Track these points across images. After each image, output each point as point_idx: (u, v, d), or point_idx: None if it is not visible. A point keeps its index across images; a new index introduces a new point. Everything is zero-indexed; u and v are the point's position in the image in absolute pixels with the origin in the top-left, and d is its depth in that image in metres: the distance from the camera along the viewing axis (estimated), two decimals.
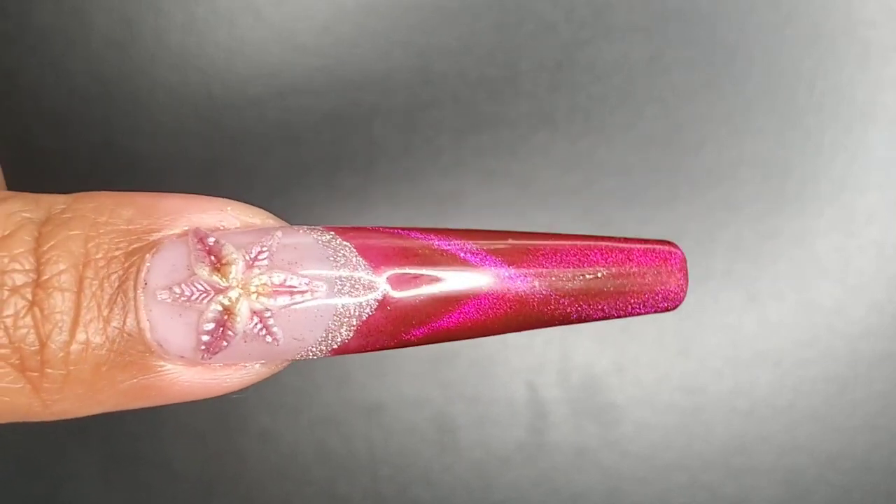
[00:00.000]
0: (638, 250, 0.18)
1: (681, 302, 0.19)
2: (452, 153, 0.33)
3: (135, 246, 0.16)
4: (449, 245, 0.17)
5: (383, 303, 0.17)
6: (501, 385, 0.34)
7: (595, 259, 0.18)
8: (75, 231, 0.16)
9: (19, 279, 0.16)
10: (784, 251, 0.34)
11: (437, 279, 0.17)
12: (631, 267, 0.18)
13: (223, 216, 0.17)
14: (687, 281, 0.19)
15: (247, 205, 0.17)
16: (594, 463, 0.34)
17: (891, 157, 0.34)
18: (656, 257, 0.18)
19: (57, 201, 0.17)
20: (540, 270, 0.18)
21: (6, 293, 0.16)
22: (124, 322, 0.16)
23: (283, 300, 0.16)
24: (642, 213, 0.34)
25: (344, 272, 0.17)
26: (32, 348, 0.16)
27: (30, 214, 0.17)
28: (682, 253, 0.19)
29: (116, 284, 0.16)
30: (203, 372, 0.17)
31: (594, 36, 0.33)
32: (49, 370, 0.16)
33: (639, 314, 0.19)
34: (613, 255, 0.18)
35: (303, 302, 0.16)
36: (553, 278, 0.18)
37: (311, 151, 0.33)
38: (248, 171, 0.33)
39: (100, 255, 0.16)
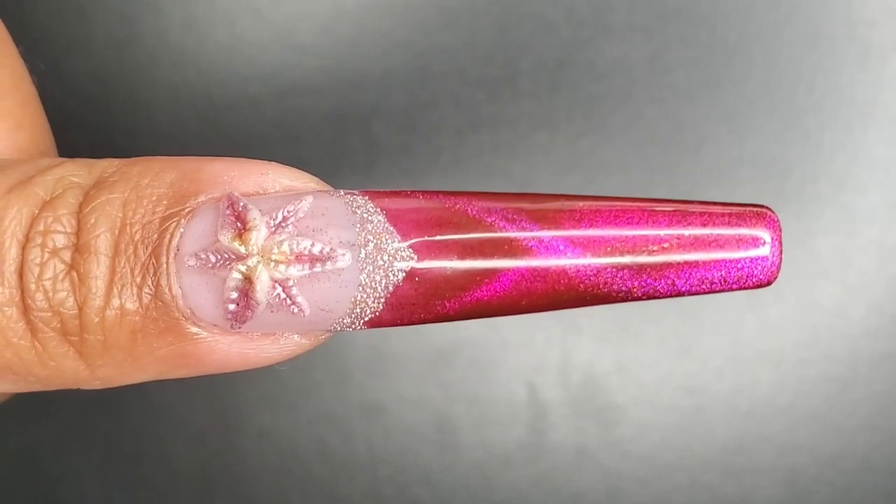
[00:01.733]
0: (718, 214, 0.15)
1: (773, 277, 0.16)
2: (452, 153, 0.33)
3: (171, 210, 0.16)
4: (486, 210, 0.16)
5: (411, 273, 0.16)
6: (501, 385, 0.34)
7: (661, 223, 0.15)
8: (116, 194, 0.16)
9: (60, 241, 0.16)
10: (784, 251, 0.34)
11: (469, 247, 0.16)
12: (707, 232, 0.15)
13: (264, 179, 0.17)
14: (781, 251, 0.15)
15: (289, 168, 0.17)
16: (594, 463, 0.34)
17: (891, 157, 0.34)
18: (741, 222, 0.16)
19: (110, 165, 0.17)
20: (592, 236, 0.16)
21: (47, 255, 0.16)
22: (156, 288, 0.16)
23: (303, 268, 0.16)
24: None
25: (370, 239, 0.16)
26: (71, 312, 0.16)
27: (80, 178, 0.17)
28: (776, 216, 0.16)
29: (150, 249, 0.16)
30: (240, 341, 0.17)
31: (594, 36, 0.33)
32: (87, 335, 0.16)
33: (721, 290, 0.16)
34: (687, 219, 0.15)
35: (323, 270, 0.16)
36: (608, 247, 0.16)
37: (311, 151, 0.33)
38: None
39: (136, 220, 0.16)
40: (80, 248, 0.16)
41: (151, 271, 0.16)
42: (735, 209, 0.15)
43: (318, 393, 0.34)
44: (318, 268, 0.16)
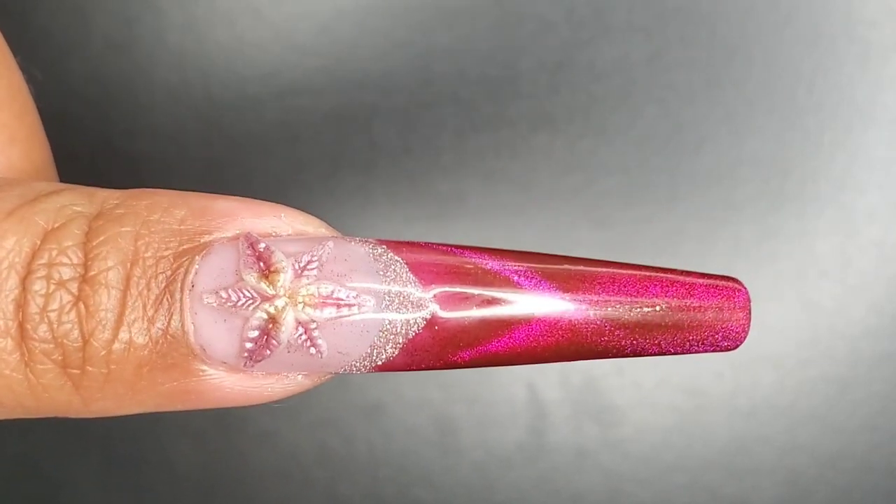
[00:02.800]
0: (700, 285, 0.17)
1: (742, 342, 0.18)
2: (452, 153, 0.33)
3: (185, 247, 0.16)
4: (502, 266, 0.17)
5: (431, 322, 0.16)
6: (502, 386, 0.34)
7: (654, 291, 0.17)
8: (126, 228, 0.16)
9: (66, 273, 0.16)
10: (784, 251, 0.34)
11: (487, 301, 0.17)
12: (692, 301, 0.17)
13: (276, 222, 0.17)
14: (750, 320, 0.18)
15: (301, 212, 0.17)
16: (595, 464, 0.34)
17: (891, 157, 0.34)
18: (719, 294, 0.17)
19: (111, 196, 0.17)
20: (595, 298, 0.17)
21: (52, 286, 0.16)
22: (168, 323, 0.16)
23: (330, 312, 0.16)
24: (642, 213, 0.34)
25: (394, 287, 0.16)
26: (75, 345, 0.16)
27: (81, 208, 0.16)
28: (747, 291, 0.18)
29: (163, 285, 0.16)
30: (244, 379, 0.17)
31: (594, 36, 0.33)
32: (90, 368, 0.16)
33: (697, 351, 0.18)
34: (674, 289, 0.17)
35: (350, 315, 0.16)
36: (609, 308, 0.17)
37: (311, 151, 0.33)
38: (248, 171, 0.33)
39: (149, 254, 0.16)
40: (88, 280, 0.16)
41: (165, 306, 0.16)
42: (713, 282, 0.18)
43: (318, 395, 0.34)
44: (344, 312, 0.16)
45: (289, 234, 0.17)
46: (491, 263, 0.17)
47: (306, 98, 0.33)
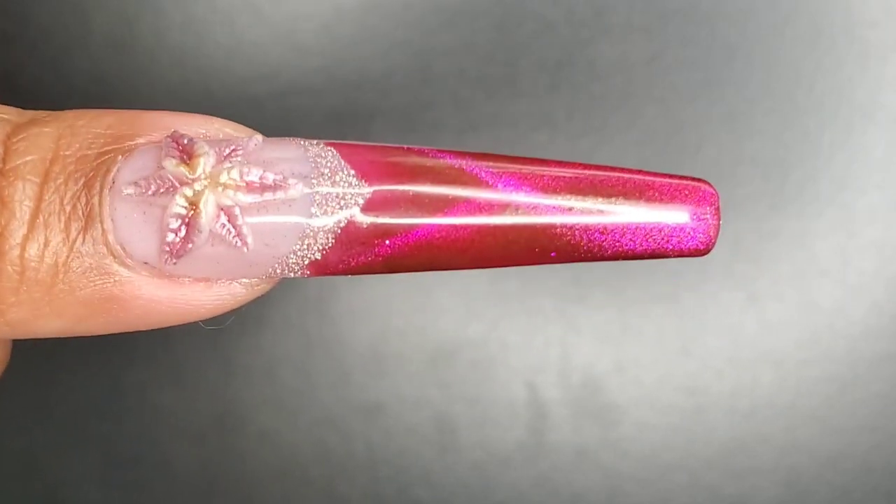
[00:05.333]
0: (661, 183, 0.16)
1: (710, 245, 0.17)
2: None
3: (108, 147, 0.15)
4: (451, 159, 0.16)
5: (365, 209, 0.15)
6: (501, 385, 0.34)
7: (611, 185, 0.16)
8: (48, 129, 0.16)
9: None
10: (784, 251, 0.34)
11: (426, 193, 0.16)
12: (652, 196, 0.16)
13: (208, 128, 0.16)
14: (719, 221, 0.17)
15: (236, 123, 0.16)
16: (594, 463, 0.34)
17: (891, 157, 0.34)
18: (683, 191, 0.16)
19: (43, 112, 0.16)
20: (547, 191, 0.16)
21: None
22: (86, 221, 0.15)
23: (254, 196, 0.15)
24: None
25: (325, 173, 0.15)
26: None
27: (10, 116, 0.16)
28: (714, 190, 0.17)
29: (82, 182, 0.15)
30: (169, 286, 0.16)
31: (594, 36, 0.33)
32: (6, 265, 0.15)
33: (661, 253, 0.17)
34: (633, 184, 0.16)
35: (275, 200, 0.15)
36: (560, 198, 0.16)
37: None
38: None
39: (69, 152, 0.15)
40: (4, 172, 0.15)
41: (83, 202, 0.15)
42: (679, 181, 0.17)
43: (317, 394, 0.34)
44: (268, 196, 0.15)
45: (219, 139, 0.16)
46: (435, 155, 0.16)
47: (306, 98, 0.33)
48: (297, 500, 0.34)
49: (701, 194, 0.17)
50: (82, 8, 0.32)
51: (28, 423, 0.34)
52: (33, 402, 0.34)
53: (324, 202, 0.15)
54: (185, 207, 0.15)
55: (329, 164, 0.15)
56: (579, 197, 0.16)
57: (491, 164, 0.16)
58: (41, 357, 0.34)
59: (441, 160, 0.16)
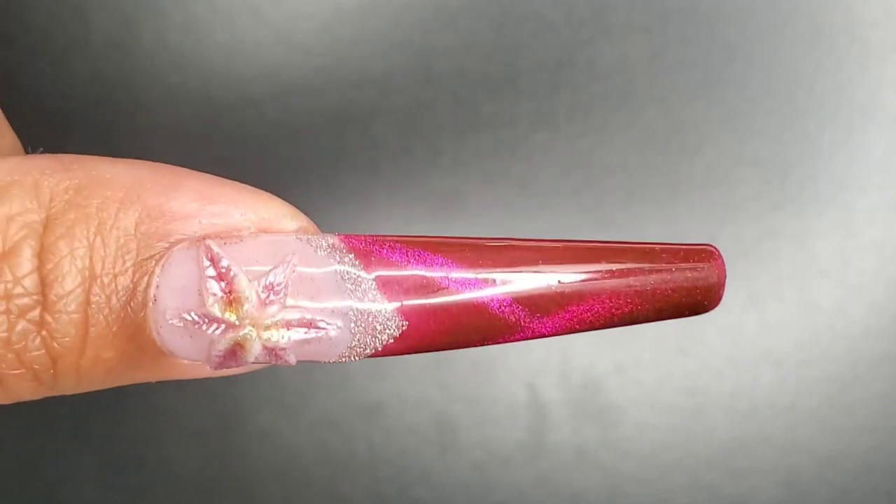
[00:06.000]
0: (669, 249, 0.17)
1: (718, 302, 0.18)
2: (453, 153, 0.33)
3: (143, 256, 0.16)
4: (468, 274, 0.17)
5: (400, 337, 0.16)
6: (501, 386, 0.34)
7: (621, 255, 0.17)
8: (80, 242, 0.15)
9: (24, 302, 0.15)
10: (784, 251, 0.34)
11: (451, 307, 0.16)
12: (660, 263, 0.17)
13: (236, 218, 0.16)
14: (724, 281, 0.18)
15: (259, 194, 0.17)
16: (594, 463, 0.34)
17: (890, 157, 0.34)
18: (690, 256, 0.17)
19: (58, 190, 0.16)
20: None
21: (13, 318, 0.15)
22: (133, 336, 0.16)
23: (297, 334, 0.16)
24: (642, 213, 0.34)
25: (362, 306, 0.16)
26: (45, 366, 0.16)
27: (30, 216, 0.16)
28: (719, 252, 0.18)
29: (124, 300, 0.16)
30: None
31: (594, 36, 0.33)
32: (62, 378, 0.16)
33: (671, 316, 0.18)
34: (643, 254, 0.17)
35: (317, 336, 0.16)
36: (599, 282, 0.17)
37: (311, 151, 0.33)
38: (248, 171, 0.33)
39: (107, 271, 0.16)
40: (48, 307, 0.15)
41: (128, 322, 0.16)
42: (685, 247, 0.18)
43: (318, 394, 0.34)
44: (311, 334, 0.16)
45: (251, 232, 0.16)
46: (456, 273, 0.17)
47: (306, 98, 0.33)
48: (298, 500, 0.34)
49: (709, 256, 0.18)
50: (82, 8, 0.32)
51: (28, 423, 0.34)
52: (33, 402, 0.34)
53: (362, 337, 0.16)
54: (232, 343, 0.16)
55: (366, 294, 0.16)
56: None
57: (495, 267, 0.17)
58: None
59: (467, 280, 0.17)
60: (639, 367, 0.34)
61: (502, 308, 0.17)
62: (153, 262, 0.16)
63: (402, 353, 0.17)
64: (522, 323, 0.17)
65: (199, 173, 0.17)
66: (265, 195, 0.17)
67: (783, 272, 0.34)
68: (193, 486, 0.34)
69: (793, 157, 0.34)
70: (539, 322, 0.17)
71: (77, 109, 0.33)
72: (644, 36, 0.33)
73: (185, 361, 0.17)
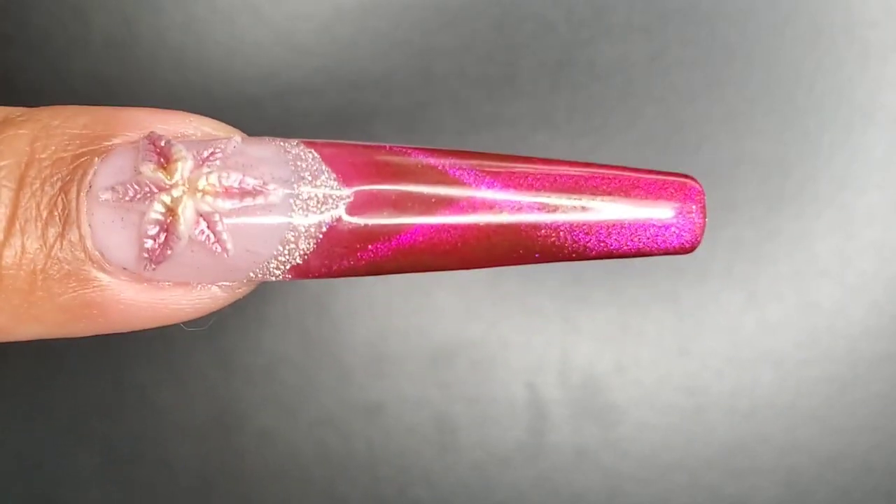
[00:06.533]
0: (646, 180, 0.16)
1: (696, 243, 0.16)
2: None
3: (85, 149, 0.15)
4: (428, 158, 0.16)
5: (348, 214, 0.15)
6: (501, 385, 0.34)
7: (595, 184, 0.16)
8: (24, 130, 0.15)
9: None
10: (784, 251, 0.34)
11: (410, 194, 0.15)
12: (637, 194, 0.16)
13: (185, 128, 0.16)
14: (704, 219, 0.16)
15: (214, 119, 0.16)
16: (594, 463, 0.34)
17: (890, 157, 0.34)
18: (668, 189, 0.16)
19: (16, 109, 0.16)
20: (530, 190, 0.16)
21: None
22: (64, 226, 0.15)
23: (233, 202, 0.15)
24: None
25: (306, 178, 0.15)
26: None
27: None
28: (700, 187, 0.17)
29: (59, 185, 0.15)
30: (149, 290, 0.16)
31: (594, 36, 0.33)
32: None
33: (646, 252, 0.16)
34: (617, 182, 0.16)
35: (254, 205, 0.15)
36: (544, 198, 0.16)
37: None
38: None
39: (45, 155, 0.15)
40: None
41: (60, 207, 0.15)
42: (661, 177, 0.16)
43: (317, 393, 0.34)
44: (248, 202, 0.15)
45: (198, 138, 0.16)
46: (417, 156, 0.16)
47: (306, 98, 0.33)
48: (297, 499, 0.34)
49: (686, 191, 0.16)
50: (82, 8, 0.32)
51: (28, 423, 0.34)
52: (33, 402, 0.34)
53: (305, 206, 0.15)
54: (164, 213, 0.15)
55: (309, 167, 0.15)
56: (563, 196, 0.16)
57: (473, 163, 0.16)
58: (41, 357, 0.34)
59: (422, 160, 0.16)
60: (639, 367, 0.34)
61: (458, 172, 0.16)
62: (94, 155, 0.15)
63: (351, 246, 0.15)
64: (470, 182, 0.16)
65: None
66: (217, 120, 0.16)
67: (783, 272, 0.34)
68: (192, 484, 0.34)
69: (793, 157, 0.34)
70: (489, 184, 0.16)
71: None
72: (644, 36, 0.33)
73: (116, 281, 0.15)
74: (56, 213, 0.15)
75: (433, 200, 0.15)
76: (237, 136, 0.15)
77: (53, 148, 0.15)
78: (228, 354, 0.34)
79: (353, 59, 0.33)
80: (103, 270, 0.15)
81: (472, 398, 0.34)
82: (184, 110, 0.16)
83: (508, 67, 0.33)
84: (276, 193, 0.15)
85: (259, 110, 0.33)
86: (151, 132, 0.15)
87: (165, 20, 0.33)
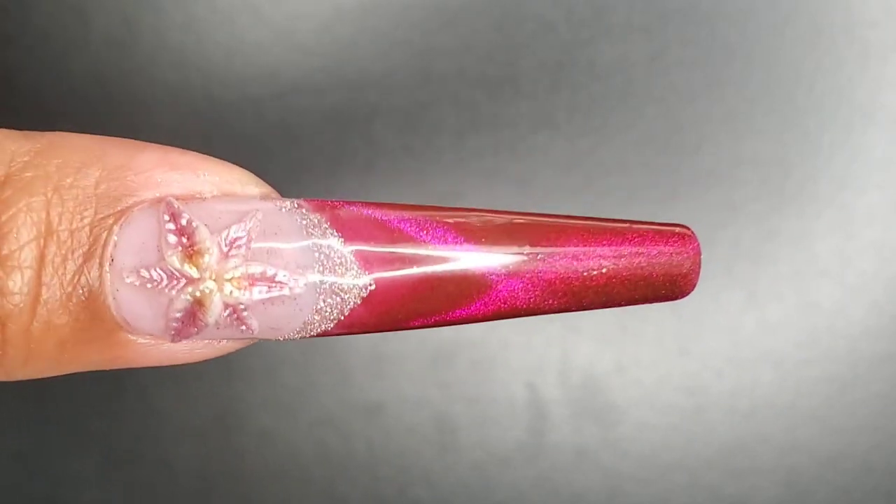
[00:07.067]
0: (650, 232, 0.17)
1: (690, 292, 0.17)
2: (453, 153, 0.33)
3: (101, 215, 0.15)
4: (443, 239, 0.16)
5: (368, 300, 0.15)
6: (501, 385, 0.34)
7: (604, 245, 0.16)
8: (37, 198, 0.15)
9: None
10: (784, 251, 0.34)
11: (428, 277, 0.16)
12: (640, 261, 0.16)
13: (198, 181, 0.16)
14: (699, 270, 0.17)
15: (224, 164, 0.16)
16: (594, 463, 0.34)
17: (890, 157, 0.34)
18: (667, 241, 0.17)
19: (19, 153, 0.15)
20: (544, 269, 0.16)
21: None
22: (88, 300, 0.15)
23: (260, 292, 0.15)
24: (642, 213, 0.34)
25: (328, 265, 0.15)
26: None
27: None
28: (696, 240, 0.17)
29: (80, 261, 0.15)
30: (172, 345, 0.16)
31: (594, 36, 0.33)
32: (10, 349, 0.15)
33: (642, 303, 0.17)
34: (620, 239, 0.16)
35: (280, 295, 0.15)
36: (562, 268, 0.16)
37: (311, 151, 0.33)
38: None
39: (63, 227, 0.15)
40: (0, 261, 0.15)
41: (83, 283, 0.15)
42: (661, 229, 0.17)
43: (317, 394, 0.34)
44: (275, 293, 0.15)
45: (213, 195, 0.16)
46: (429, 238, 0.16)
47: (306, 98, 0.33)
48: (297, 499, 0.34)
49: (683, 241, 0.17)
50: (82, 8, 0.32)
51: (28, 423, 0.34)
52: (33, 402, 0.34)
53: (329, 297, 0.15)
54: (191, 302, 0.15)
55: (333, 256, 0.15)
56: (569, 252, 0.16)
57: (485, 235, 0.16)
58: None
59: (444, 247, 0.16)
60: (639, 367, 0.34)
61: (458, 247, 0.16)
62: (112, 221, 0.15)
63: (370, 324, 0.16)
64: (492, 282, 0.16)
65: (162, 145, 0.16)
66: (228, 163, 0.16)
67: (783, 272, 0.34)
68: (193, 485, 0.34)
69: (793, 157, 0.34)
70: (507, 283, 0.16)
71: (77, 109, 0.33)
72: (644, 36, 0.33)
73: (142, 340, 0.16)
74: (80, 289, 0.15)
75: (454, 292, 0.16)
76: (259, 213, 0.15)
77: (70, 216, 0.15)
78: (228, 355, 0.34)
79: (353, 59, 0.33)
80: (131, 333, 0.16)
81: (472, 398, 0.34)
82: (194, 152, 0.16)
83: (508, 67, 0.33)
84: (300, 285, 0.15)
85: (259, 110, 0.33)
86: (169, 202, 0.15)
87: (165, 20, 0.33)
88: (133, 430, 0.34)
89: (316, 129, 0.33)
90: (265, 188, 0.16)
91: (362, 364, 0.34)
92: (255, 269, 0.15)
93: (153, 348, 0.16)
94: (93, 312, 0.15)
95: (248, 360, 0.34)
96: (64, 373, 0.16)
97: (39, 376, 0.16)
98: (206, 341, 0.16)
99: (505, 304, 0.16)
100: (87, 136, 0.16)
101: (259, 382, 0.34)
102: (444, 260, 0.16)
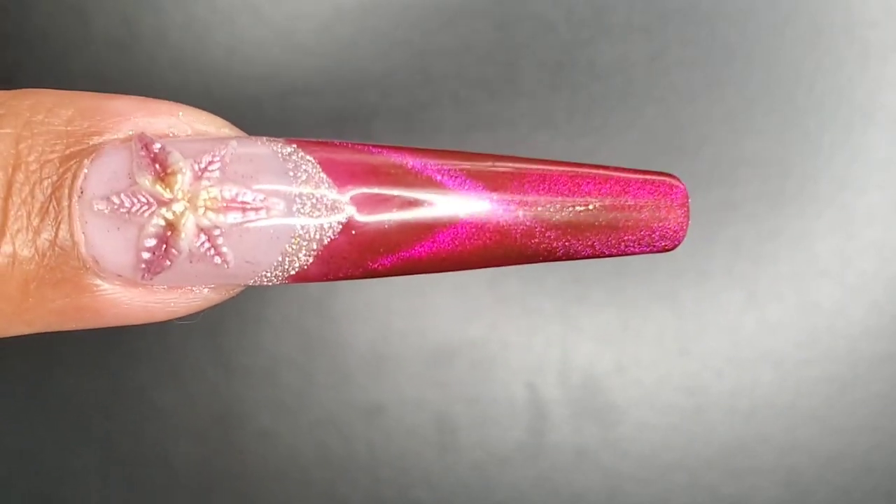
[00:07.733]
0: (635, 181, 0.16)
1: (680, 241, 0.16)
2: None
3: (72, 149, 0.15)
4: (423, 165, 0.16)
5: (348, 226, 0.15)
6: (501, 386, 0.34)
7: (587, 189, 0.16)
8: (7, 129, 0.15)
9: None
10: (784, 251, 0.34)
11: (409, 203, 0.15)
12: (626, 199, 0.16)
13: (174, 121, 0.15)
14: (688, 219, 0.16)
15: (201, 110, 0.16)
16: (594, 463, 0.34)
17: (890, 157, 0.34)
18: (655, 190, 0.16)
19: None
20: (525, 198, 0.16)
21: None
22: (56, 233, 0.14)
23: (235, 217, 0.14)
24: None
25: (305, 189, 0.15)
26: None
27: None
28: (684, 186, 0.17)
29: (49, 191, 0.14)
30: (144, 294, 0.15)
31: (594, 36, 0.33)
32: None
33: (633, 253, 0.17)
34: (608, 186, 0.16)
35: (256, 220, 0.15)
36: (539, 208, 0.16)
37: None
38: None
39: (32, 158, 0.14)
40: None
41: (52, 215, 0.14)
42: (649, 177, 0.16)
43: (318, 394, 0.34)
44: (250, 216, 0.14)
45: (188, 135, 0.15)
46: (412, 162, 0.15)
47: (306, 98, 0.33)
48: (297, 500, 0.34)
49: (668, 190, 0.16)
50: (82, 8, 0.32)
51: (28, 423, 0.34)
52: (33, 402, 0.34)
53: (306, 222, 0.15)
54: (163, 227, 0.14)
55: (310, 178, 0.15)
56: (557, 201, 0.16)
57: (467, 167, 0.16)
58: (41, 357, 0.34)
59: (421, 174, 0.16)
60: (639, 367, 0.34)
61: (449, 179, 0.16)
62: (83, 156, 0.15)
63: (350, 258, 0.15)
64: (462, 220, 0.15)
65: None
66: (204, 111, 0.16)
67: (783, 272, 0.34)
68: (193, 484, 0.34)
69: (793, 157, 0.34)
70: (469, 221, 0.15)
71: None
72: (644, 36, 0.33)
73: (110, 286, 0.15)
74: (48, 221, 0.14)
75: (430, 223, 0.15)
76: (233, 141, 0.15)
77: (40, 149, 0.15)
78: (229, 355, 0.34)
79: (353, 59, 0.33)
80: (97, 276, 0.15)
81: (472, 398, 0.34)
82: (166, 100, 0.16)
83: (508, 67, 0.33)
84: (278, 207, 0.15)
85: (259, 110, 0.33)
86: (142, 133, 0.15)
87: (165, 20, 0.33)
88: (133, 429, 0.34)
89: (316, 129, 0.33)
90: (241, 133, 0.16)
91: (362, 365, 0.34)
92: (230, 191, 0.14)
93: (123, 298, 0.15)
94: (60, 248, 0.15)
95: (249, 361, 0.34)
96: (25, 327, 0.15)
97: (1, 328, 0.15)
98: (181, 291, 0.15)
99: (459, 245, 0.16)
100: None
101: (259, 382, 0.34)
102: (428, 184, 0.15)
